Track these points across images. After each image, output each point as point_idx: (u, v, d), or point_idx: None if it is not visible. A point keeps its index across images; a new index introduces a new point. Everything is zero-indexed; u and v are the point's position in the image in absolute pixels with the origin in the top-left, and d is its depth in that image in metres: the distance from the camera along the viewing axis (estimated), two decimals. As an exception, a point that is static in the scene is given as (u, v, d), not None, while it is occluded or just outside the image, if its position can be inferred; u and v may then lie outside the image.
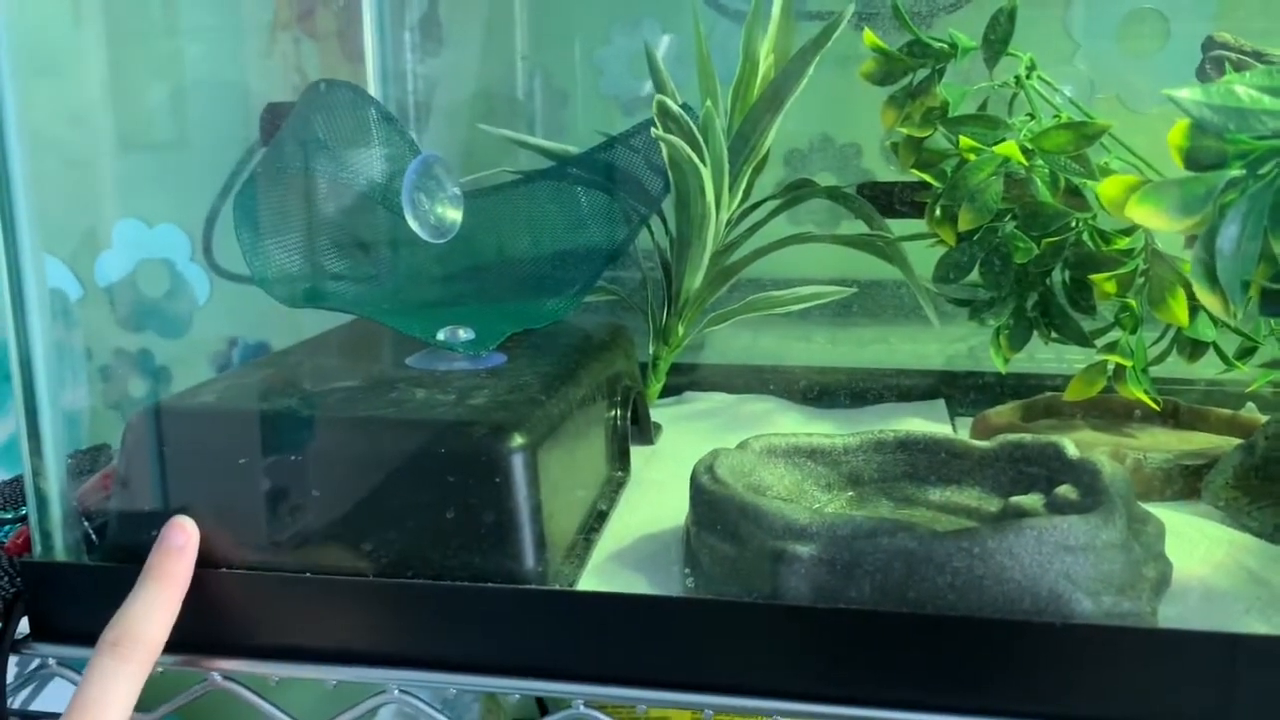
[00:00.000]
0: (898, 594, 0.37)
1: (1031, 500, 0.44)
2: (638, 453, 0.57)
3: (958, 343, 0.75)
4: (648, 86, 0.83)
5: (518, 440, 0.40)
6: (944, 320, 0.64)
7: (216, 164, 0.82)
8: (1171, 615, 0.39)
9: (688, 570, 0.42)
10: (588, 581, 0.43)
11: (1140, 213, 0.34)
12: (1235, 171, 0.34)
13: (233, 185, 0.82)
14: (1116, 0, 0.75)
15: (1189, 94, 0.34)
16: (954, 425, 0.64)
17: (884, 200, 0.64)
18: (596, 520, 0.49)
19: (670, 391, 0.67)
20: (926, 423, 0.63)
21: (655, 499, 0.52)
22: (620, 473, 0.54)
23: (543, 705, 0.81)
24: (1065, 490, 0.43)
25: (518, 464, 0.40)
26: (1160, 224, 0.34)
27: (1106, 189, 0.36)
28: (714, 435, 0.61)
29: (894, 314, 0.73)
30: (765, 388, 0.69)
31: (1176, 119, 0.36)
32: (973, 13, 0.74)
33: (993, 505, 0.46)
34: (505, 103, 0.86)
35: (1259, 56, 0.47)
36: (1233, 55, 0.46)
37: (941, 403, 0.66)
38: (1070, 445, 0.45)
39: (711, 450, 0.45)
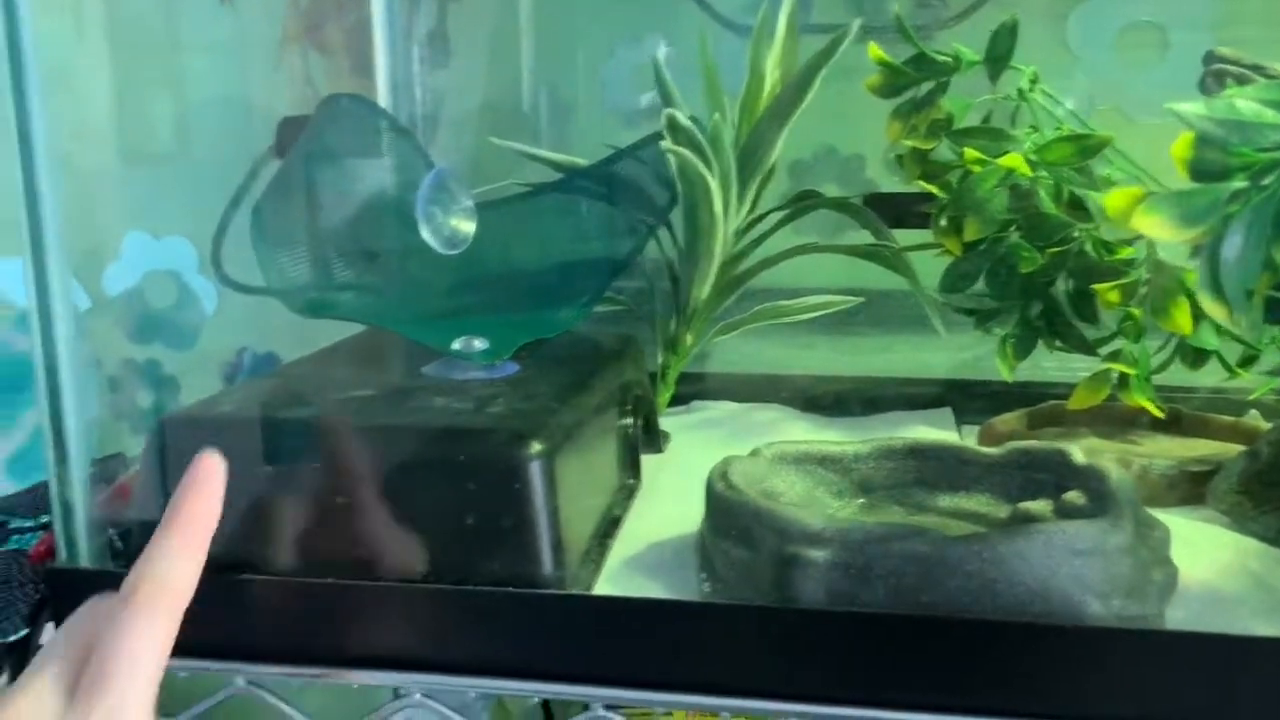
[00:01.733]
0: (911, 597, 0.38)
1: (1040, 506, 0.45)
2: (647, 461, 0.58)
3: (963, 352, 0.75)
4: (650, 99, 0.84)
5: (536, 447, 0.41)
6: (948, 330, 0.64)
7: (224, 177, 0.83)
8: (1178, 618, 0.40)
9: (704, 575, 0.42)
10: (604, 587, 0.44)
11: (1146, 224, 0.35)
12: (1238, 183, 0.35)
13: (242, 197, 0.83)
14: (1114, 13, 0.76)
15: (1192, 108, 0.35)
16: (960, 433, 0.64)
17: (890, 211, 0.64)
18: (610, 527, 0.49)
19: (678, 401, 0.68)
20: (934, 430, 0.63)
21: (667, 507, 0.53)
22: (632, 480, 0.55)
23: (549, 711, 0.81)
24: (1073, 496, 0.44)
25: (536, 470, 0.41)
26: (1166, 234, 0.35)
27: (1113, 201, 0.37)
28: (723, 443, 0.62)
29: (899, 324, 0.73)
30: (772, 396, 0.70)
31: (1177, 129, 0.37)
32: (975, 25, 0.76)
33: (1001, 511, 0.46)
34: (511, 116, 0.87)
35: (1259, 70, 0.48)
36: (1234, 69, 0.47)
37: (949, 410, 0.67)
38: (1077, 451, 0.46)
39: (724, 457, 0.46)
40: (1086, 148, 0.54)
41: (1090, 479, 0.44)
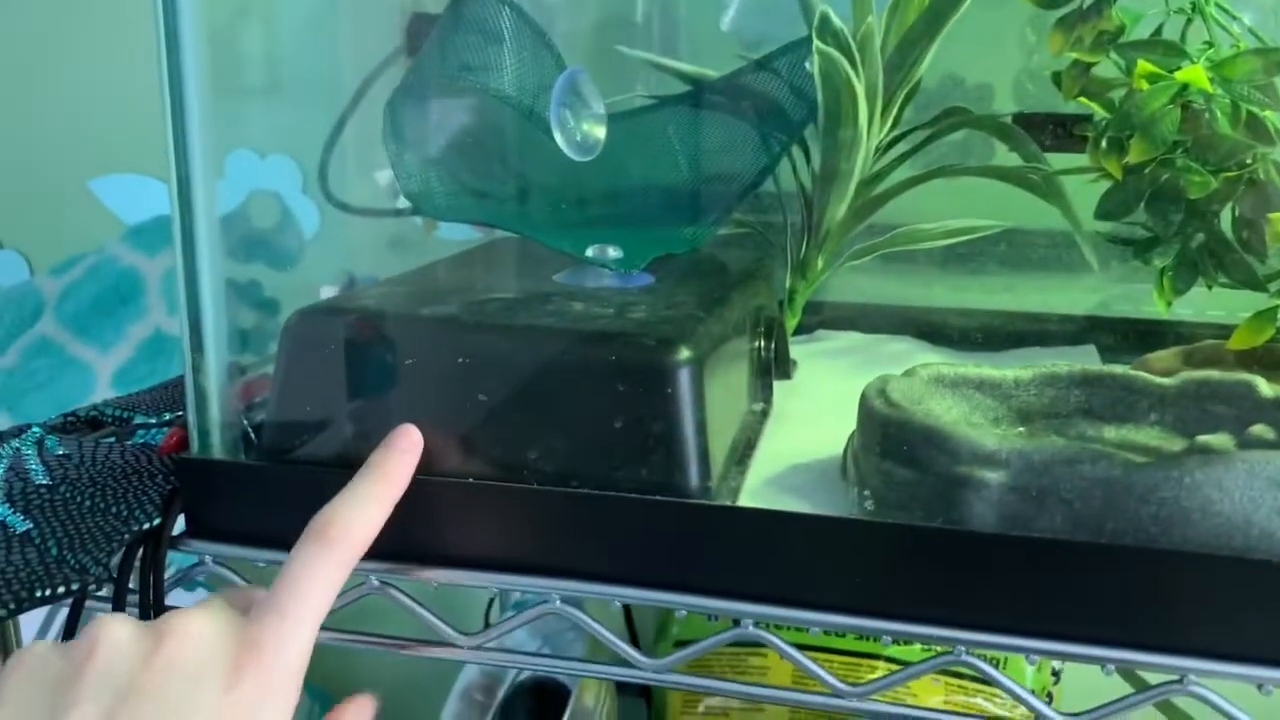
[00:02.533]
0: (1094, 525, 0.35)
1: (1220, 440, 0.41)
2: (777, 387, 0.55)
3: (1090, 294, 0.71)
4: (769, 28, 0.80)
5: (685, 353, 0.39)
6: (1074, 272, 0.61)
7: (330, 97, 0.81)
8: (1386, 562, 0.36)
9: (866, 493, 0.40)
10: (747, 503, 0.41)
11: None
12: None
13: (348, 116, 0.81)
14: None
15: None
16: (1105, 371, 0.61)
17: (1042, 132, 0.61)
18: (746, 448, 0.47)
19: (802, 330, 0.65)
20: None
21: (800, 430, 0.51)
22: (764, 404, 0.53)
23: (632, 628, 0.81)
24: (1260, 429, 0.40)
25: (685, 376, 0.39)
26: None
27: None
28: (852, 372, 0.59)
29: (1024, 264, 0.70)
30: (901, 328, 0.67)
31: None
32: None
33: (1175, 445, 0.43)
34: (624, 29, 0.84)
35: None
36: None
37: (1092, 348, 0.64)
38: (1263, 383, 0.42)
39: (879, 376, 0.43)
40: (1274, 63, 0.50)
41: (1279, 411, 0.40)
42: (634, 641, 0.80)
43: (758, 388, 0.53)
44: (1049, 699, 0.74)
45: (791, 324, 0.62)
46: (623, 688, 0.80)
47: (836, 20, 0.52)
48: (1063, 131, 0.61)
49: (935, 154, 0.73)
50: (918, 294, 0.73)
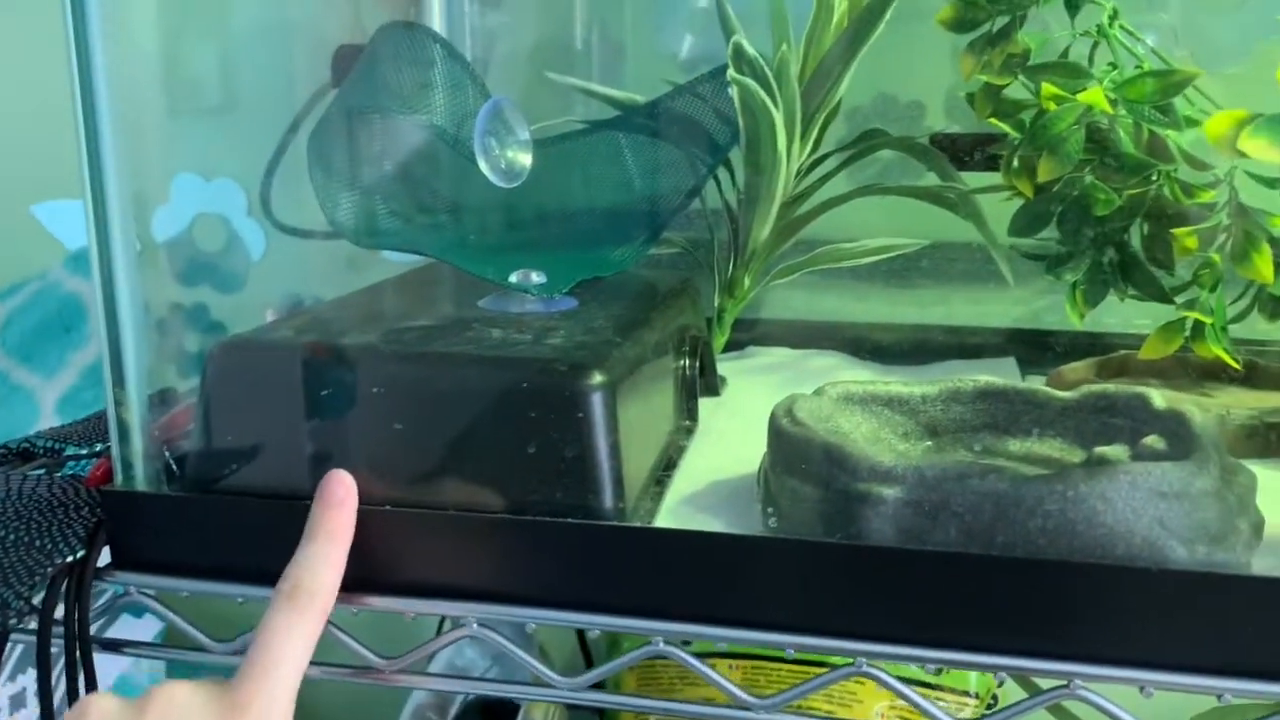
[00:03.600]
0: (986, 537, 0.37)
1: (1116, 451, 0.43)
2: (704, 404, 0.57)
3: (1020, 305, 0.73)
4: (703, 44, 0.82)
5: (598, 378, 0.40)
6: (1005, 284, 0.63)
7: (273, 119, 0.82)
8: (1267, 566, 0.38)
9: (770, 510, 0.41)
10: (663, 522, 0.43)
11: (1253, 145, 0.33)
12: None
13: (293, 136, 0.82)
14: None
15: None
16: (1025, 382, 0.63)
17: (957, 152, 0.62)
18: (667, 466, 0.48)
19: (734, 346, 0.67)
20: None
21: (724, 447, 0.52)
22: (689, 422, 0.54)
23: (586, 650, 0.82)
24: (1152, 440, 0.42)
25: (598, 401, 0.40)
26: (1274, 156, 0.33)
27: (1214, 125, 0.35)
28: (779, 388, 0.60)
29: (954, 277, 0.72)
30: (828, 343, 0.68)
31: (1257, 78, 0.35)
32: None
33: (1075, 456, 0.45)
34: (563, 56, 0.85)
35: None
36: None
37: (1012, 360, 0.65)
38: (1157, 395, 0.44)
39: (789, 395, 0.45)
40: (1171, 84, 0.52)
41: (1171, 423, 0.42)
42: (587, 660, 0.81)
43: (683, 405, 0.54)
44: (994, 700, 0.75)
45: (720, 341, 0.64)
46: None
47: (750, 50, 0.54)
48: (981, 152, 0.63)
49: (873, 169, 0.76)
50: (854, 308, 0.74)
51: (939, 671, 0.65)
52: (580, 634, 0.82)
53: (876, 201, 0.66)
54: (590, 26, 0.85)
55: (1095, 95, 0.52)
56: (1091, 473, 0.36)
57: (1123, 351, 0.62)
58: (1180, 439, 0.41)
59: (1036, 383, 0.62)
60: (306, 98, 0.77)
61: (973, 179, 0.63)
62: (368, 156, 0.52)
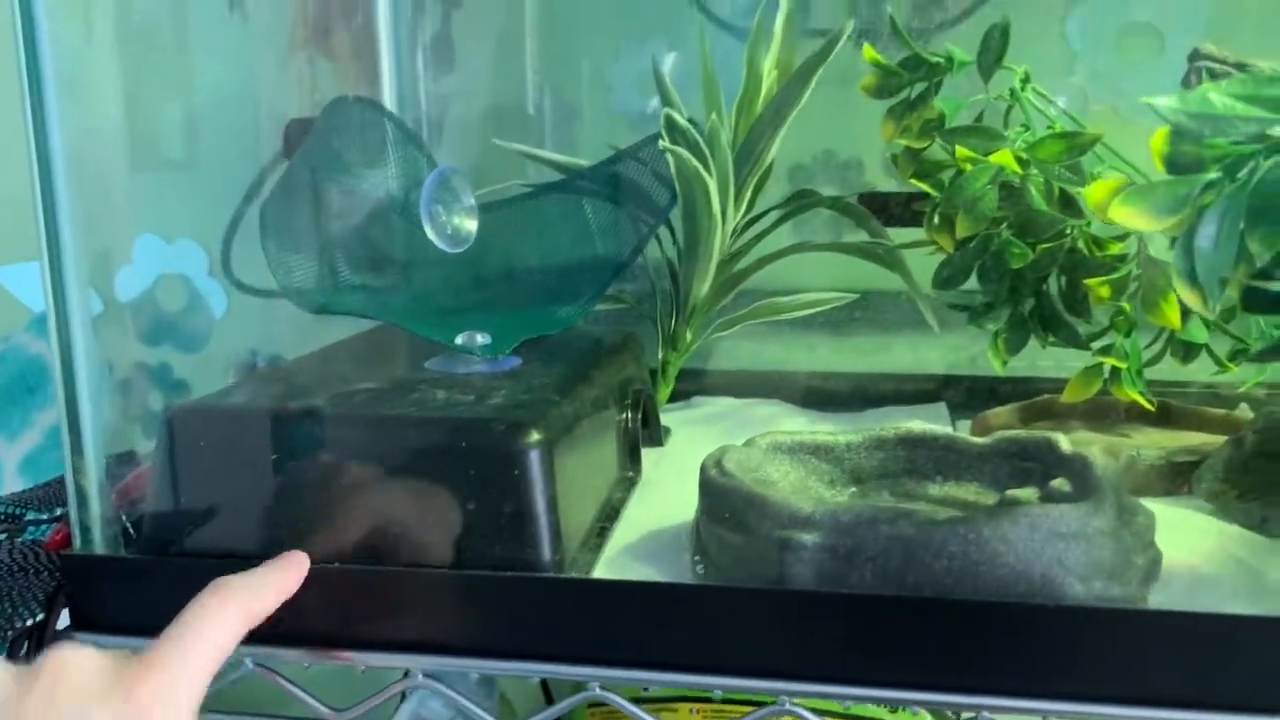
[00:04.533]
0: (897, 579, 0.39)
1: (1027, 493, 0.45)
2: (648, 454, 0.59)
3: (958, 351, 0.76)
4: (654, 103, 0.85)
5: (534, 436, 0.42)
6: (944, 328, 0.66)
7: (232, 180, 0.84)
8: (1161, 601, 0.41)
9: (698, 559, 0.44)
10: (601, 571, 0.45)
11: (1123, 214, 0.36)
12: (1212, 174, 0.36)
13: (251, 200, 0.84)
14: (1111, 14, 0.77)
15: (1167, 102, 0.36)
16: (955, 427, 0.65)
17: (884, 210, 0.66)
18: (610, 516, 0.50)
19: (679, 396, 0.69)
20: (928, 423, 0.64)
21: (665, 497, 0.54)
22: (631, 473, 0.56)
23: (549, 696, 0.83)
24: (1059, 483, 0.45)
25: (535, 458, 0.42)
26: (1142, 224, 0.36)
27: (1093, 193, 0.38)
28: (722, 438, 0.63)
29: (897, 323, 0.75)
30: (771, 392, 0.71)
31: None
32: (971, 28, 0.77)
33: (990, 499, 0.47)
34: (516, 119, 0.88)
35: (1242, 67, 0.49)
36: (1216, 66, 0.48)
37: (943, 405, 0.68)
38: (1063, 440, 0.47)
39: (720, 446, 0.47)
40: (1076, 145, 0.55)
41: (1075, 466, 0.45)
42: (549, 703, 0.82)
43: (626, 457, 0.57)
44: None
45: (665, 393, 0.66)
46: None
47: (682, 120, 0.57)
48: (907, 209, 0.66)
49: (817, 220, 0.79)
50: (798, 355, 0.77)
51: (848, 707, 0.67)
52: (544, 682, 0.83)
53: (815, 253, 0.69)
54: (542, 89, 0.88)
55: (1005, 157, 0.55)
56: (993, 515, 0.39)
57: (1046, 395, 0.65)
58: (1084, 481, 0.44)
59: (967, 425, 0.65)
60: (267, 154, 0.80)
61: (903, 234, 0.67)
62: (319, 226, 0.55)
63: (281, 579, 0.39)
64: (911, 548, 0.39)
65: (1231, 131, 0.35)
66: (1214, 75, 0.46)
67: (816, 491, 0.48)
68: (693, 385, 0.72)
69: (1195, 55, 0.52)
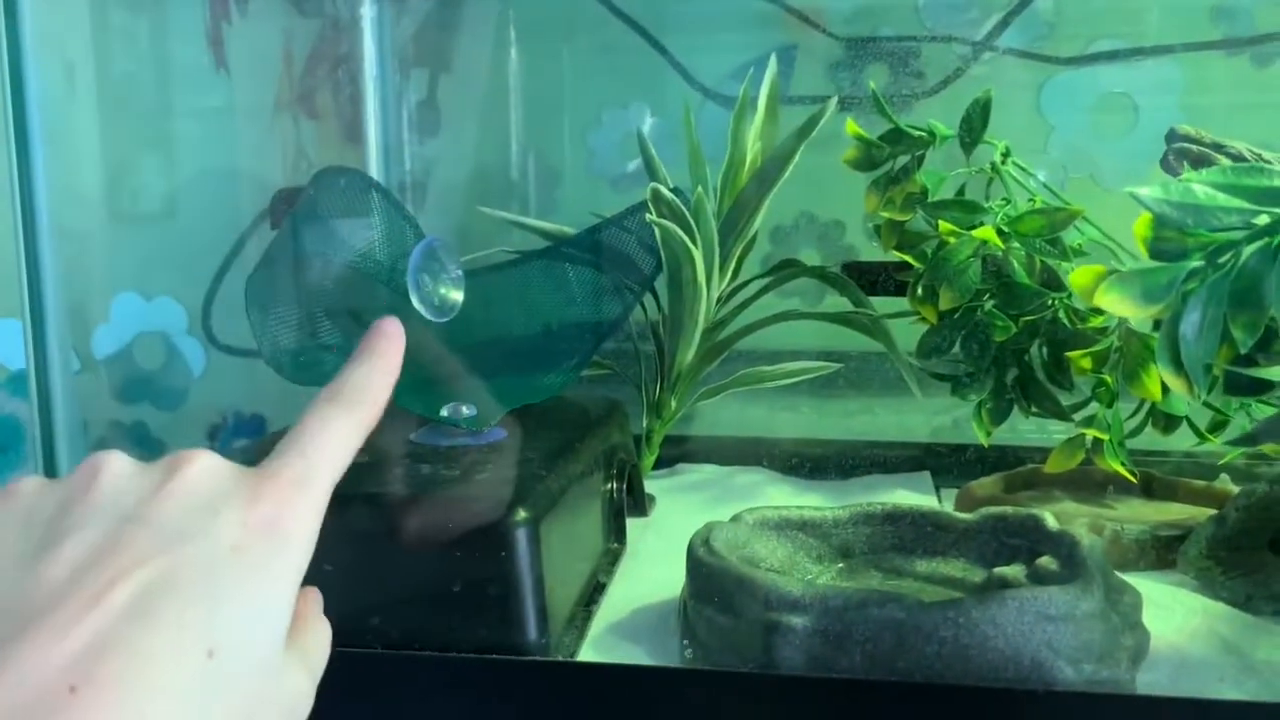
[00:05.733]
0: (887, 663, 0.39)
1: (1014, 571, 0.46)
2: (633, 524, 0.59)
3: (941, 415, 0.77)
4: (636, 165, 0.86)
5: (521, 515, 0.42)
6: (928, 393, 0.66)
7: (214, 240, 0.84)
8: (1149, 682, 0.41)
9: (685, 641, 0.43)
10: (588, 652, 0.44)
11: (1108, 301, 0.37)
12: (1195, 262, 0.37)
13: (231, 262, 0.84)
14: (1086, 85, 0.79)
15: (1150, 192, 0.36)
16: (939, 496, 0.66)
17: (867, 279, 0.66)
18: (595, 592, 0.50)
19: (663, 463, 0.69)
20: (913, 494, 0.64)
21: (651, 571, 0.54)
22: (617, 545, 0.56)
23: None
24: (1046, 561, 0.45)
25: (521, 538, 0.42)
26: (1127, 311, 0.37)
27: (1077, 278, 0.39)
28: (707, 507, 0.63)
29: (881, 387, 0.75)
30: (755, 459, 0.71)
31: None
32: (951, 97, 0.78)
33: (977, 576, 0.47)
34: (500, 183, 0.89)
35: (1219, 148, 0.50)
36: (1194, 149, 0.49)
37: (927, 475, 0.68)
38: (1050, 518, 0.47)
39: (706, 523, 0.47)
40: (1056, 220, 0.56)
41: (1062, 545, 0.45)
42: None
43: (611, 528, 0.56)
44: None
45: (650, 461, 0.66)
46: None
47: (668, 193, 0.57)
48: (890, 278, 0.67)
49: (802, 282, 0.79)
50: (782, 419, 0.77)
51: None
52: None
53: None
54: (526, 153, 0.89)
55: (988, 232, 0.56)
56: (982, 599, 0.39)
57: (1030, 465, 0.65)
58: (1071, 560, 0.44)
59: (952, 494, 0.65)
60: (249, 213, 0.80)
61: (886, 303, 0.67)
62: (304, 299, 0.55)
63: (387, 364, 0.33)
64: (902, 631, 0.38)
65: (1214, 221, 0.36)
66: (1197, 159, 0.47)
67: (804, 568, 0.48)
68: (676, 451, 0.72)
69: (1172, 136, 0.53)
